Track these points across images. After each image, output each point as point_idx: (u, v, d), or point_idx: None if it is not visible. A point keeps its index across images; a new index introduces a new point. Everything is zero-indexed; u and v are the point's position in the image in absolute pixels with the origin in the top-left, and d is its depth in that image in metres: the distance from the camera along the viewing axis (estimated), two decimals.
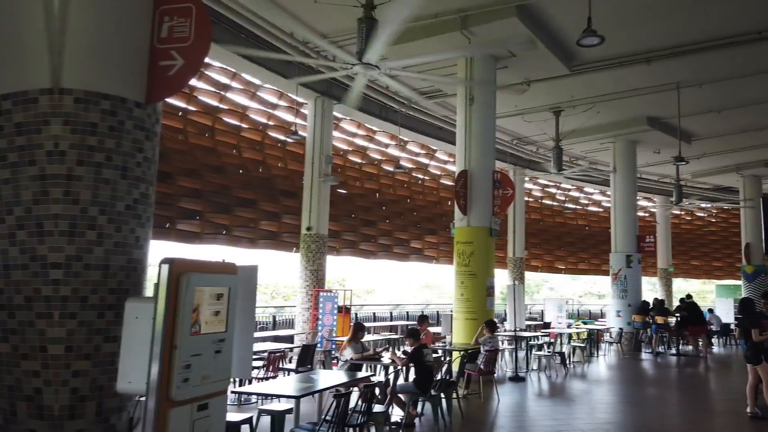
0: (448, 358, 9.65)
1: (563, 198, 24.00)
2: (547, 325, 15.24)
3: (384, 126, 16.28)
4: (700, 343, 15.42)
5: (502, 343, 13.79)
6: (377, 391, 7.12)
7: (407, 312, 18.97)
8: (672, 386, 11.01)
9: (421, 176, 19.58)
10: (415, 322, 10.58)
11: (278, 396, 5.65)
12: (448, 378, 7.60)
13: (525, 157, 19.22)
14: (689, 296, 16.66)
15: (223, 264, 4.16)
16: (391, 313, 18.30)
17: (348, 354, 8.03)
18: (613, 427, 7.69)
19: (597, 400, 9.42)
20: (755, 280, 20.56)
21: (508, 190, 11.52)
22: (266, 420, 5.99)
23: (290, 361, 10.73)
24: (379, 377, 8.20)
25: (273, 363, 8.68)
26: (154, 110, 4.90)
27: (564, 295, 39.35)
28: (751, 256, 20.80)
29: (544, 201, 23.49)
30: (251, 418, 5.64)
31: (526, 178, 21.03)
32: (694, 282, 31.22)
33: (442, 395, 7.43)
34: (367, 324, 16.01)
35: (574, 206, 23.51)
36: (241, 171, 14.06)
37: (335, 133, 16.57)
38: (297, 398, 5.39)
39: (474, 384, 9.37)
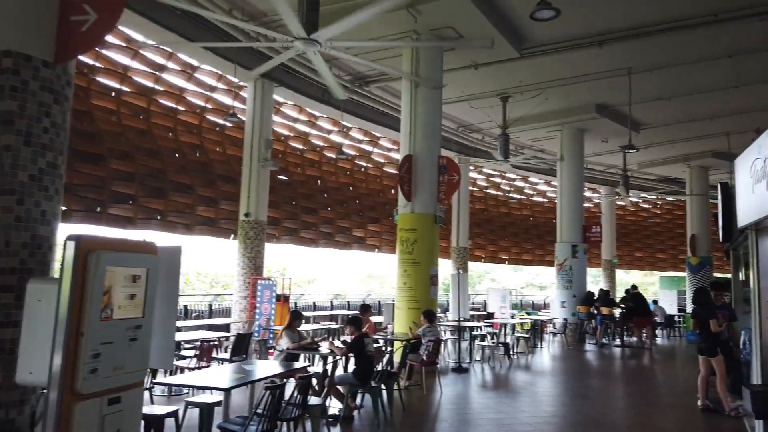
0: (389, 349, 9.43)
1: (508, 188, 24.27)
2: (490, 316, 15.30)
3: (326, 111, 15.87)
4: (645, 334, 15.83)
5: (445, 333, 13.70)
6: (314, 382, 6.80)
7: (348, 301, 18.70)
8: (619, 378, 11.12)
9: (364, 164, 19.28)
10: (357, 312, 10.30)
11: (207, 388, 5.24)
12: (389, 369, 7.37)
13: (470, 145, 19.24)
14: (634, 287, 17.10)
15: (139, 243, 3.73)
16: (331, 302, 17.98)
17: (284, 343, 7.66)
18: (559, 420, 7.65)
19: (542, 392, 9.40)
20: (700, 271, 21.29)
21: (453, 176, 11.38)
22: (195, 413, 5.57)
23: (225, 351, 10.25)
24: (317, 368, 7.88)
25: (206, 352, 8.21)
26: (65, 71, 4.39)
27: (506, 286, 40.13)
28: (696, 247, 21.47)
29: (488, 191, 23.68)
30: (177, 411, 5.21)
31: (471, 167, 21.10)
32: (636, 273, 32.30)
33: (383, 386, 7.19)
34: (306, 313, 15.63)
35: (519, 196, 23.83)
36: (177, 155, 13.36)
37: (276, 118, 16.04)
38: (227, 390, 4.99)
39: (416, 375, 9.19)
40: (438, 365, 9.31)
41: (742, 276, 8.76)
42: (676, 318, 19.67)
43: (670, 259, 27.86)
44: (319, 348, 7.78)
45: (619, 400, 8.96)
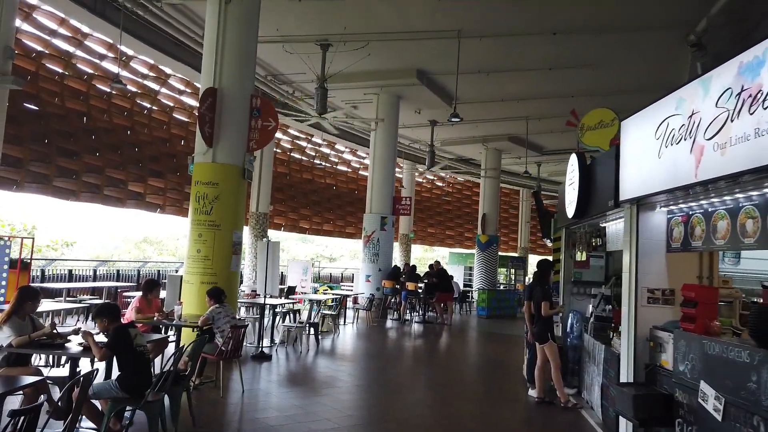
0: (174, 338, 7.05)
1: (313, 153, 22.50)
2: (291, 291, 13.46)
3: (101, 27, 12.19)
4: (446, 310, 15.47)
5: (247, 311, 11.60)
6: (57, 396, 4.34)
7: (118, 271, 15.26)
8: (437, 365, 10.02)
9: (148, 105, 15.82)
10: (132, 285, 7.61)
11: None
12: (175, 370, 5.07)
13: (279, 98, 16.97)
14: (438, 263, 16.70)
15: None
16: (95, 271, 14.40)
17: (5, 337, 4.93)
18: (379, 424, 6.17)
19: (352, 385, 7.94)
20: (488, 249, 22.10)
21: (270, 122, 9.19)
22: None
23: None
24: (62, 372, 5.29)
25: None
26: None
27: (296, 257, 38.81)
28: (486, 226, 22.25)
29: (293, 154, 21.65)
30: None
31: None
32: (417, 248, 33.14)
33: (167, 396, 4.95)
34: (58, 285, 12.10)
35: (324, 163, 22.19)
36: None
37: (25, 26, 12.02)
38: None
39: (211, 367, 7.02)
40: (240, 356, 7.20)
41: (581, 257, 8.24)
42: (468, 294, 20.15)
43: (457, 237, 29.08)
44: (67, 344, 5.16)
45: (443, 391, 7.84)
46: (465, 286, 22.13)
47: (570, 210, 7.19)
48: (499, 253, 23.45)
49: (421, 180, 27.30)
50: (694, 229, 4.83)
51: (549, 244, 13.15)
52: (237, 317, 7.94)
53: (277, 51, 13.46)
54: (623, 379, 5.35)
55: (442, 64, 14.08)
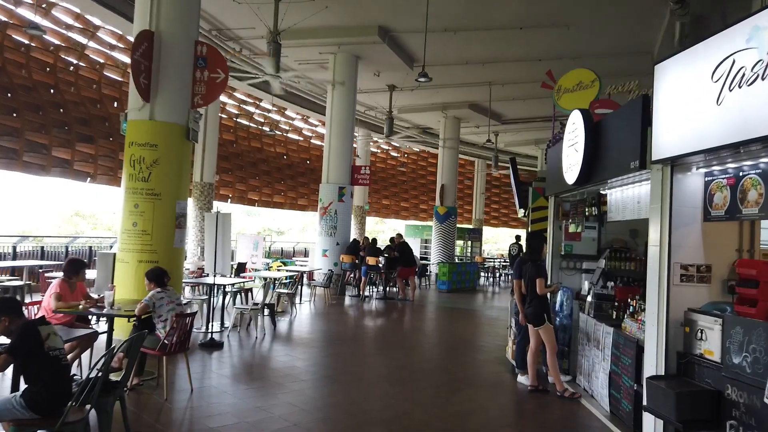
0: (105, 332, 5.80)
1: (262, 120, 20.95)
2: (241, 268, 12.22)
3: None
4: (408, 286, 14.61)
5: (193, 292, 10.41)
6: None
7: (42, 248, 13.56)
8: (408, 348, 8.99)
9: (74, 60, 13.99)
10: (59, 263, 6.26)
11: None
12: (105, 374, 3.90)
13: (225, 56, 15.40)
14: (400, 236, 15.75)
15: None
16: (14, 248, 12.69)
17: None
18: (362, 428, 5.24)
19: (321, 378, 6.98)
20: (446, 221, 21.30)
21: (218, 74, 7.86)
22: None
23: None
24: None
25: None
26: None
27: (243, 231, 37.20)
28: (445, 197, 21.37)
29: (239, 120, 20.07)
30: None
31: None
32: (369, 221, 32.11)
33: (95, 410, 3.82)
34: None
35: (274, 131, 20.66)
36: None
37: None
38: None
39: (151, 361, 5.88)
40: (188, 348, 6.04)
41: (576, 228, 7.45)
42: (428, 268, 19.41)
43: (412, 209, 28.26)
44: None
45: (423, 380, 6.96)
46: (422, 259, 21.39)
47: (570, 175, 6.31)
48: (458, 225, 22.79)
49: (375, 150, 26.20)
50: (746, 193, 4.03)
51: (521, 215, 12.44)
52: (183, 302, 6.75)
53: (224, 1, 11.99)
54: (650, 370, 4.56)
55: (407, 21, 12.96)
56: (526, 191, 9.86)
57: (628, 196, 5.92)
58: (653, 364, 4.56)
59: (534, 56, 14.70)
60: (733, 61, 3.58)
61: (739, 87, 3.53)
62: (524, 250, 18.69)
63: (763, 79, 3.33)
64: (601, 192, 6.68)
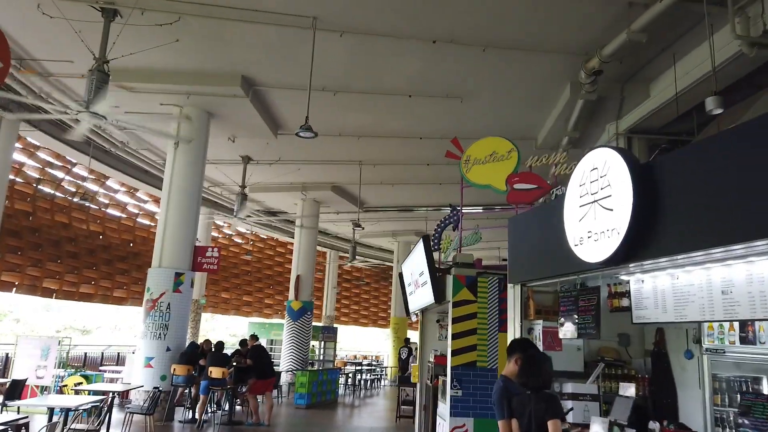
0: None
1: (74, 190, 16.55)
2: (16, 389, 8.00)
3: None
4: (264, 404, 11.20)
5: None
6: None
7: None
8: None
9: None
10: None
11: None
12: None
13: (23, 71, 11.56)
14: (254, 337, 12.31)
15: None
16: None
17: None
18: None
19: None
20: (301, 318, 18.04)
21: None
22: None
23: None
24: None
25: None
26: None
27: (34, 330, 30.36)
28: (301, 290, 18.23)
29: (41, 187, 15.56)
30: None
31: (18, 142, 13.01)
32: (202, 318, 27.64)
33: None
34: None
35: (88, 203, 16.29)
36: None
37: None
38: None
39: None
40: None
41: (576, 333, 5.17)
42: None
43: (256, 303, 24.70)
44: None
45: None
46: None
47: (600, 247, 3.97)
48: (315, 323, 19.81)
49: (216, 234, 22.69)
50: None
51: (414, 318, 10.17)
52: None
53: (29, 14, 8.70)
54: None
55: (279, 72, 10.65)
56: (443, 280, 7.58)
57: (683, 284, 3.85)
58: None
59: (416, 132, 13.17)
60: None
61: None
62: (414, 353, 15.71)
63: None
64: (621, 277, 4.55)
